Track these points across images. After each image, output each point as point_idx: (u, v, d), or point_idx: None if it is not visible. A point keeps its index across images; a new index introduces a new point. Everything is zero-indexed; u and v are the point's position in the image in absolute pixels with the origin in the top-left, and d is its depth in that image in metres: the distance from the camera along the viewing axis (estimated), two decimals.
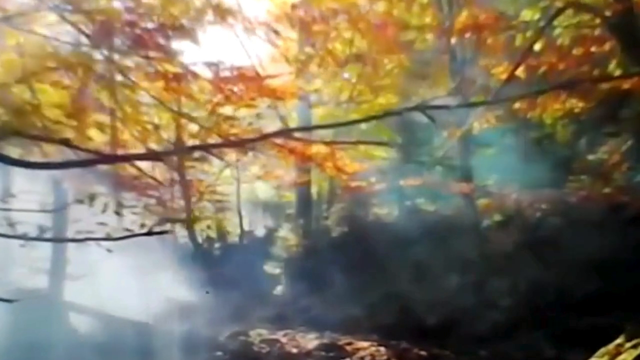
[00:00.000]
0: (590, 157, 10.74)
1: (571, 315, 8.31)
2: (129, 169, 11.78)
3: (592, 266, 8.61)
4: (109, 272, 10.72)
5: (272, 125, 15.19)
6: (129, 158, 5.43)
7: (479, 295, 10.04)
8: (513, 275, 9.80)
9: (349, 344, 9.23)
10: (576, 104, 7.97)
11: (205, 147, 6.17)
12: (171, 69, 6.62)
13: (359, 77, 12.40)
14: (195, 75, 6.56)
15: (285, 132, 5.78)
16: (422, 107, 4.48)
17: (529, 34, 6.85)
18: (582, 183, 10.42)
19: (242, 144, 6.64)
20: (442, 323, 9.81)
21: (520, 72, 6.47)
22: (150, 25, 6.28)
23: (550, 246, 9.66)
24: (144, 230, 3.80)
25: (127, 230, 3.82)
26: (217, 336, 9.73)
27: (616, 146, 10.24)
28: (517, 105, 8.16)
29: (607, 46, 6.79)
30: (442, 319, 9.92)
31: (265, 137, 6.00)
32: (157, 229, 3.85)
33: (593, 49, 6.92)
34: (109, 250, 3.95)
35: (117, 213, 4.15)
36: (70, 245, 8.20)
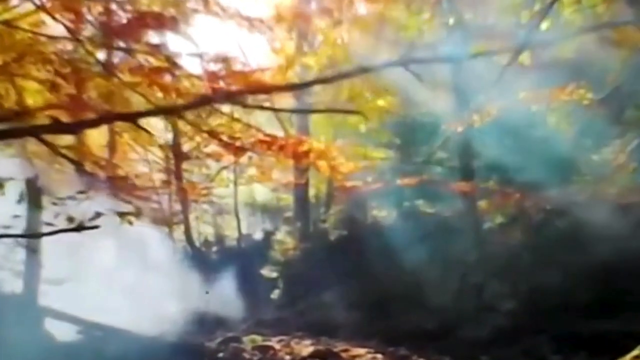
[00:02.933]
0: (595, 157, 10.46)
1: (576, 319, 8.02)
2: (119, 171, 11.51)
3: (598, 269, 8.33)
4: (98, 276, 10.45)
5: (269, 124, 15.01)
6: (40, 129, 4.94)
7: (480, 298, 9.77)
8: (516, 278, 9.51)
9: (345, 350, 8.90)
10: (584, 95, 7.61)
11: (133, 117, 5.72)
12: (155, 62, 6.31)
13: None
14: (180, 68, 6.24)
15: (230, 95, 5.38)
16: (407, 61, 4.02)
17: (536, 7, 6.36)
18: (587, 183, 10.13)
19: (177, 112, 6.24)
20: (442, 327, 9.51)
21: (525, 57, 6.11)
22: (131, 15, 6.00)
23: (554, 248, 9.39)
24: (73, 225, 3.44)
25: (49, 224, 3.48)
26: (207, 343, 9.39)
27: (621, 146, 9.98)
28: (522, 95, 7.81)
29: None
30: (442, 323, 9.63)
31: (203, 102, 5.63)
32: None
33: None
34: (33, 251, 3.62)
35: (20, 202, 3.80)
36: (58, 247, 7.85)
